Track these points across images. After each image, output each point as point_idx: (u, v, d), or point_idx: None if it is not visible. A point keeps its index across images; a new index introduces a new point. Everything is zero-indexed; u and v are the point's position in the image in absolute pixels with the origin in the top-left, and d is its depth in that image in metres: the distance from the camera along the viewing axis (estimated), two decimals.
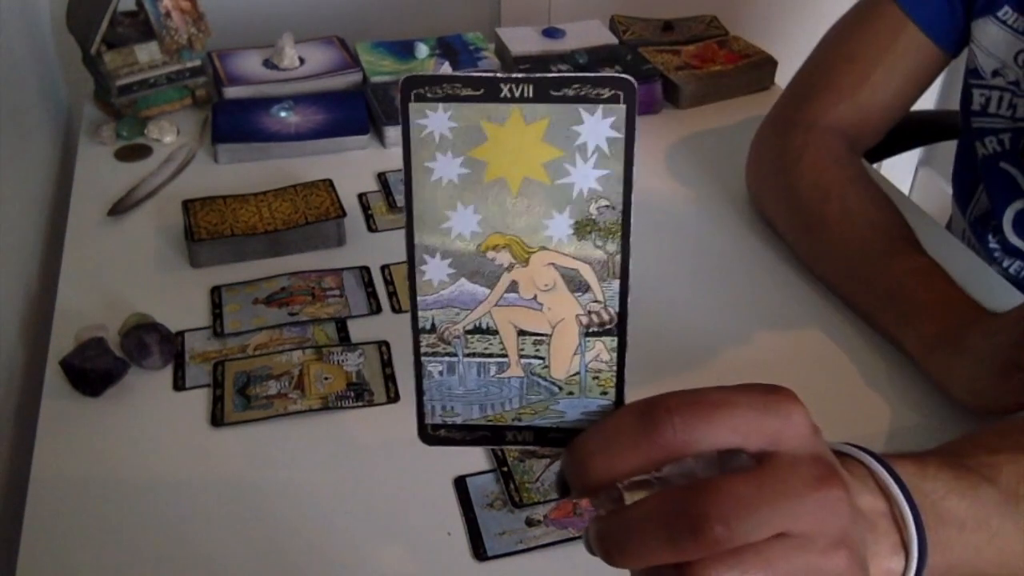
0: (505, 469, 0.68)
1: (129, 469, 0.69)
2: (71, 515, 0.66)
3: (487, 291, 0.38)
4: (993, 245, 0.99)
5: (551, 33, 1.29)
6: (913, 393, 0.76)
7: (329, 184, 0.98)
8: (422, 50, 1.25)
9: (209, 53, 1.22)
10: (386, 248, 0.93)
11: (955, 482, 0.46)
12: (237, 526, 0.65)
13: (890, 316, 0.79)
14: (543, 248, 0.37)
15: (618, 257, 0.37)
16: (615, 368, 0.39)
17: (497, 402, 0.40)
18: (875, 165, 1.13)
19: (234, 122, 1.11)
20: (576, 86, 0.35)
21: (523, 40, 1.28)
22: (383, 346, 0.80)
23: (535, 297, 0.38)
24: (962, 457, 0.49)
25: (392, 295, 0.87)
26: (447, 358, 0.39)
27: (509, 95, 0.35)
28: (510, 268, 0.38)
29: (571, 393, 0.39)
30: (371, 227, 0.97)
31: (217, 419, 0.73)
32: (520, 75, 0.35)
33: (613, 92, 0.35)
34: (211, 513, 0.66)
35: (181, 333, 0.81)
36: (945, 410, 0.73)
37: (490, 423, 0.40)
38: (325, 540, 0.64)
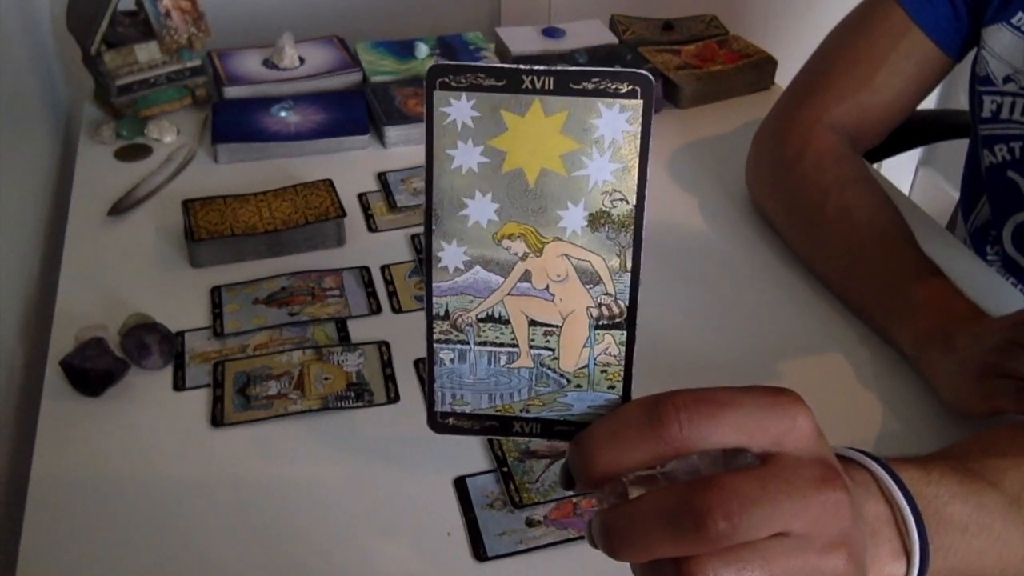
0: (505, 469, 0.68)
1: (129, 469, 0.69)
2: (71, 515, 0.66)
3: (501, 280, 0.39)
4: (992, 257, 0.99)
5: (551, 33, 1.29)
6: (909, 394, 0.76)
7: (329, 184, 0.98)
8: (422, 50, 1.25)
9: (209, 53, 1.22)
10: (386, 248, 0.93)
11: (959, 487, 0.46)
12: (237, 526, 0.65)
13: (886, 314, 0.79)
14: (557, 239, 0.38)
15: (630, 251, 0.38)
16: (623, 362, 0.39)
17: (506, 392, 0.40)
18: (875, 165, 1.13)
19: (234, 122, 1.11)
20: (596, 80, 0.36)
21: (523, 40, 1.28)
22: (383, 346, 0.80)
23: (547, 287, 0.39)
24: (967, 460, 0.49)
25: (392, 295, 0.87)
26: (459, 346, 0.40)
27: (530, 87, 0.36)
28: (524, 257, 0.38)
29: (579, 386, 0.40)
30: (371, 227, 0.97)
31: (217, 419, 0.73)
32: (541, 68, 0.36)
33: (631, 87, 0.36)
34: (211, 513, 0.66)
35: (181, 333, 0.81)
36: (940, 409, 0.73)
37: (498, 413, 0.41)
38: (325, 540, 0.64)
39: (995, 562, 0.46)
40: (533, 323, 0.39)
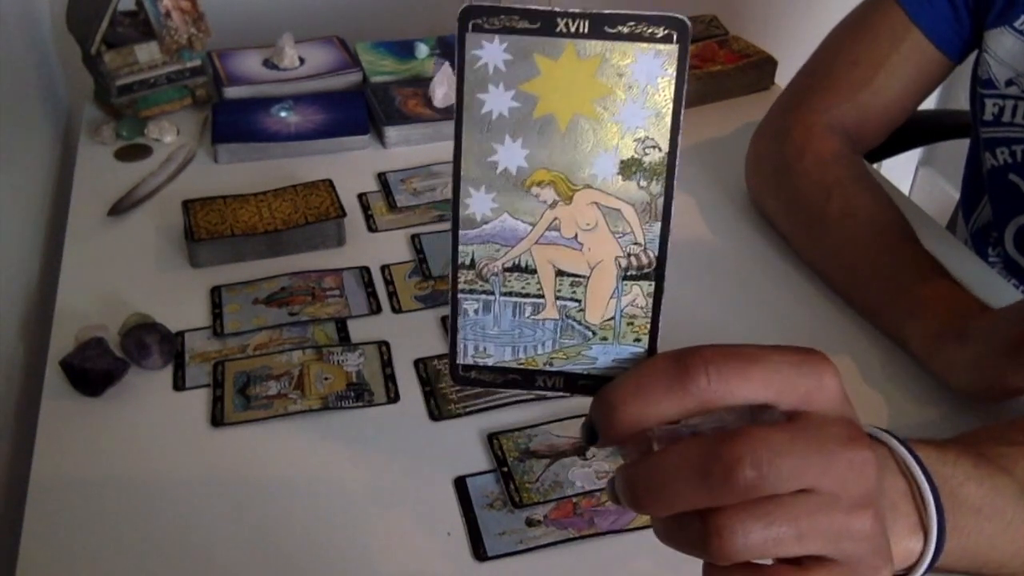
0: (505, 469, 0.68)
1: (129, 469, 0.69)
2: (71, 515, 0.66)
3: (529, 227, 0.38)
4: (993, 259, 0.99)
5: None
6: (914, 390, 0.76)
7: (329, 184, 0.98)
8: (422, 50, 1.25)
9: (209, 53, 1.22)
10: (386, 248, 0.93)
11: (974, 470, 0.46)
12: (237, 526, 0.65)
13: (893, 313, 0.79)
14: (587, 186, 0.37)
15: (661, 199, 0.37)
16: (650, 315, 0.39)
17: (530, 344, 0.40)
18: (875, 165, 1.13)
19: (234, 122, 1.11)
20: (631, 24, 0.35)
21: None
22: (383, 346, 0.80)
23: (576, 236, 0.38)
24: (980, 447, 0.49)
25: (392, 295, 0.87)
26: (484, 296, 0.39)
27: (565, 30, 0.35)
28: (553, 205, 0.38)
29: (604, 339, 0.39)
30: (371, 227, 0.97)
31: (217, 419, 0.73)
32: (576, 11, 0.35)
33: (667, 31, 0.35)
34: (211, 513, 0.66)
35: (181, 333, 0.81)
36: (946, 407, 0.73)
37: (521, 366, 0.40)
38: (325, 540, 0.64)
39: (1006, 546, 0.47)
40: (560, 273, 0.38)
